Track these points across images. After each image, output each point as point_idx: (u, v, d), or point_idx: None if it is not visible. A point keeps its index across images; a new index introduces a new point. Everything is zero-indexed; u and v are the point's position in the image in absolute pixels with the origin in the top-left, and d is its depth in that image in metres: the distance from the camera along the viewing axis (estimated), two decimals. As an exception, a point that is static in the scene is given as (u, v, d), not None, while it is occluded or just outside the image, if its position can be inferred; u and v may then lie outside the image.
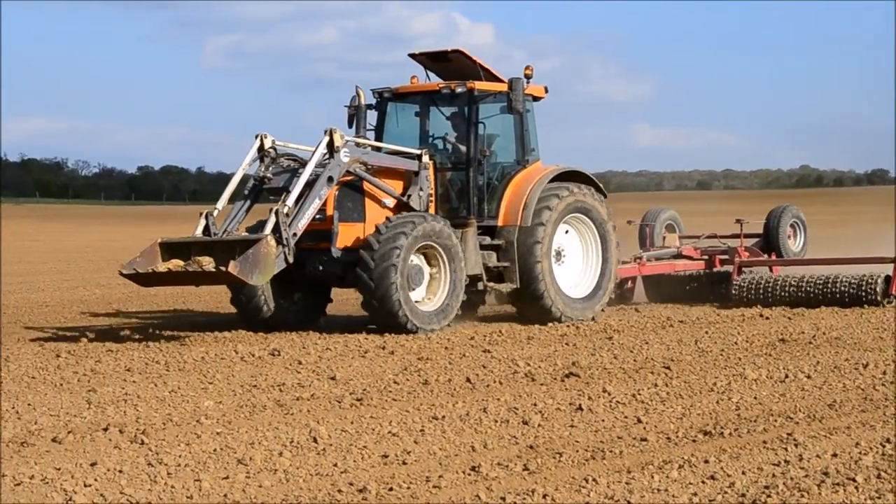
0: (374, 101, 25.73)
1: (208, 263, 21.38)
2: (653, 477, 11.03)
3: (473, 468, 11.49)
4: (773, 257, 30.18)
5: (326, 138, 22.71)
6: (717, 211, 67.74)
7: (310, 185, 22.32)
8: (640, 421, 13.78)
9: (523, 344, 20.56)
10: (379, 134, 25.50)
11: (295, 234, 21.79)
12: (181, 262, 21.78)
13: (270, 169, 23.10)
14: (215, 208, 22.67)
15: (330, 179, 22.48)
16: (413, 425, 13.60)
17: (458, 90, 24.59)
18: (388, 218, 22.92)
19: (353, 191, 23.45)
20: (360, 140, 24.31)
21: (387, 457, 12.14)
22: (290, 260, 21.62)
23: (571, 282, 25.32)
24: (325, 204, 22.68)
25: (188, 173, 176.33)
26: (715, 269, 29.42)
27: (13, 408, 14.97)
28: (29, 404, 15.22)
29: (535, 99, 26.05)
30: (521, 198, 24.55)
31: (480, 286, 24.13)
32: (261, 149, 23.09)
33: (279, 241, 21.38)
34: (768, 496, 10.20)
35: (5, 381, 17.14)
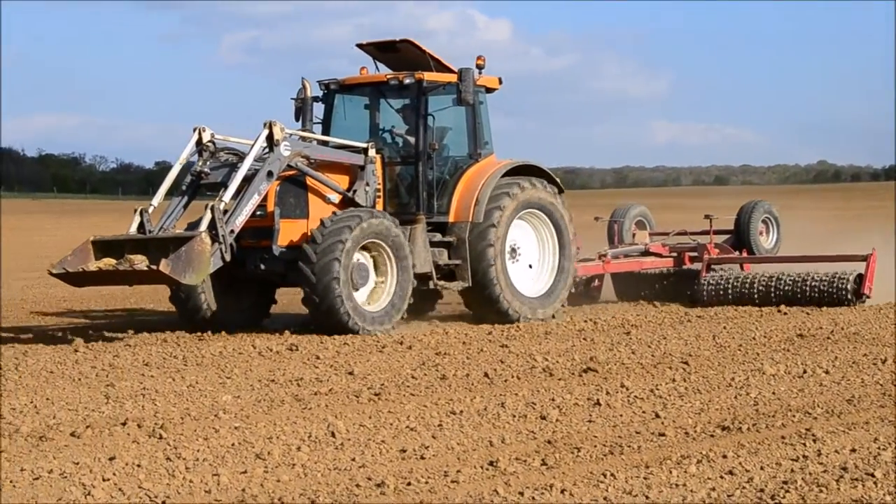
0: (321, 94, 24.74)
1: (141, 262, 20.40)
2: (671, 472, 11.01)
3: (491, 463, 11.48)
4: (745, 254, 29.07)
5: (265, 131, 21.76)
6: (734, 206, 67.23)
7: (248, 179, 21.51)
8: (658, 416, 13.77)
9: (541, 339, 20.55)
10: (326, 127, 24.59)
11: (232, 231, 21.00)
12: (113, 261, 20.79)
13: (208, 163, 22.21)
14: (150, 205, 21.90)
15: (269, 174, 21.63)
16: (431, 420, 13.60)
17: (407, 81, 23.51)
18: (333, 213, 22.08)
19: (295, 186, 22.60)
20: (303, 133, 23.48)
21: (405, 451, 12.14)
22: (228, 258, 20.82)
23: (528, 279, 24.48)
24: (265, 200, 21.92)
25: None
26: (685, 267, 28.37)
27: (32, 402, 15.00)
28: (48, 399, 15.24)
29: (489, 90, 25.16)
30: (473, 193, 23.63)
31: (431, 285, 23.36)
32: (199, 142, 22.22)
33: (215, 238, 20.58)
34: (787, 491, 10.18)
35: (24, 375, 17.18)
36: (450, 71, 24.05)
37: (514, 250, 24.14)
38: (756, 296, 26.00)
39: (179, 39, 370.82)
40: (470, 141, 24.47)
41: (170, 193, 22.69)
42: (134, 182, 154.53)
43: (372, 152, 22.99)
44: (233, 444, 12.42)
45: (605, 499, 10.19)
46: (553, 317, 24.18)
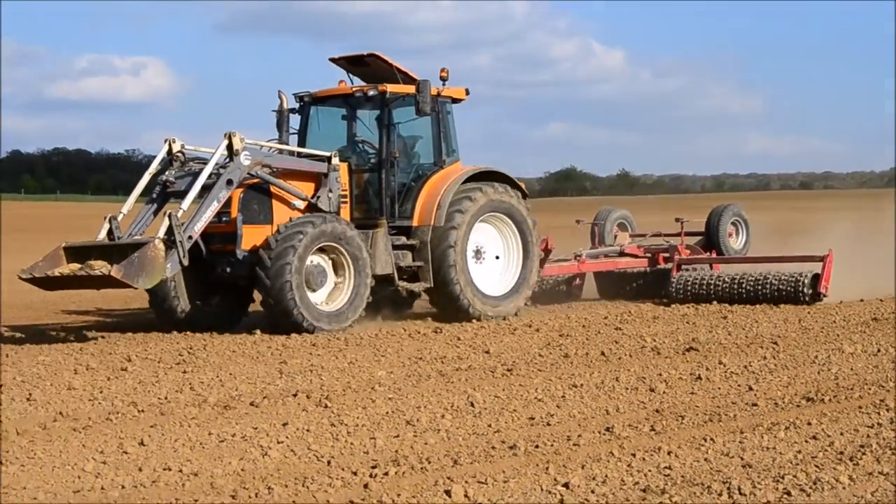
0: (297, 106, 22.93)
1: (100, 267, 18.50)
2: (762, 437, 10.95)
3: (608, 429, 11.47)
4: (714, 255, 27.15)
5: (225, 141, 19.98)
6: (820, 208, 66.70)
7: (209, 188, 19.83)
8: (751, 389, 13.67)
9: (650, 323, 20.46)
10: (303, 137, 22.81)
11: (190, 237, 19.25)
12: (76, 267, 18.98)
13: (174, 173, 20.34)
14: (120, 212, 19.99)
15: (229, 182, 19.87)
16: (556, 392, 13.60)
17: (370, 93, 21.80)
18: (290, 219, 20.46)
19: (258, 193, 20.72)
20: (264, 143, 21.52)
21: (533, 419, 12.16)
22: (185, 262, 19.16)
23: (493, 279, 22.67)
24: (229, 206, 20.25)
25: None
26: (660, 267, 26.39)
27: (217, 377, 15.18)
28: (230, 374, 15.42)
29: (455, 101, 23.24)
30: (435, 198, 21.86)
31: (395, 286, 21.66)
32: (170, 152, 20.36)
33: (172, 244, 18.98)
34: (863, 454, 10.09)
35: (210, 354, 17.37)
36: (414, 82, 22.14)
37: (479, 252, 22.47)
38: (721, 294, 24.09)
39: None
40: (435, 149, 22.71)
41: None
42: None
43: (335, 160, 21.37)
44: (387, 412, 12.50)
45: (705, 459, 10.16)
46: (516, 314, 22.41)
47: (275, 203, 20.72)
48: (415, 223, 21.88)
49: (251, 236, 20.14)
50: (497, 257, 22.85)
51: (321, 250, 20.14)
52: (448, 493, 9.12)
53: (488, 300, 22.12)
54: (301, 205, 20.87)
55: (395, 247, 21.50)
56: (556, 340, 18.17)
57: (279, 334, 19.63)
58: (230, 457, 10.61)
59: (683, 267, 25.82)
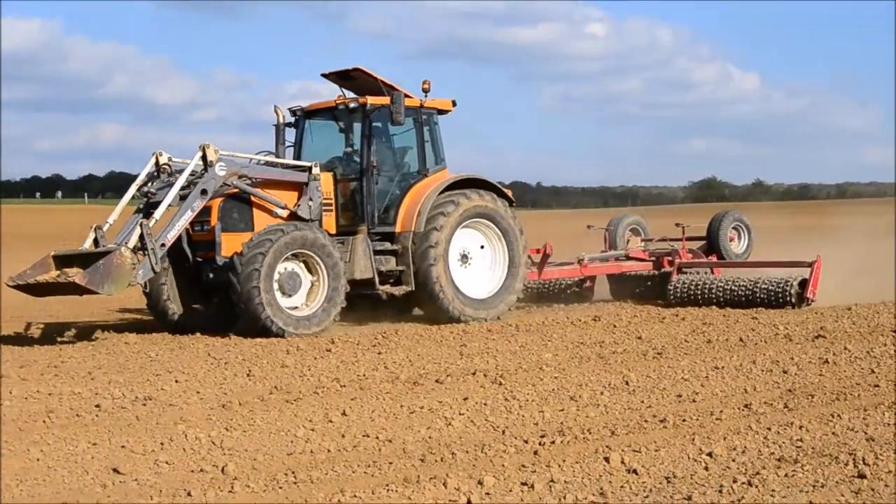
0: (292, 119, 21.15)
1: (74, 275, 16.96)
2: (884, 414, 10.72)
3: (746, 405, 11.32)
4: (715, 259, 24.78)
5: (200, 153, 18.38)
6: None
7: (185, 198, 18.22)
8: (873, 371, 13.37)
9: (782, 313, 20.04)
10: (298, 149, 20.99)
11: (163, 245, 17.70)
12: (55, 274, 17.41)
13: (155, 184, 18.67)
14: (107, 222, 18.18)
15: (203, 192, 18.16)
16: (700, 373, 13.46)
17: (352, 105, 20.03)
18: (266, 227, 18.76)
19: (239, 202, 18.93)
20: (241, 155, 19.50)
21: (680, 396, 12.05)
22: (157, 269, 17.67)
23: (480, 283, 20.68)
24: (210, 215, 18.62)
25: (530, 186, 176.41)
26: (665, 270, 24.09)
27: (407, 357, 15.26)
28: (418, 355, 15.49)
29: (441, 112, 21.21)
30: (417, 205, 20.02)
31: (377, 289, 19.98)
32: (157, 165, 18.73)
33: (143, 251, 17.55)
34: (976, 430, 9.86)
35: (401, 338, 17.47)
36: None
37: (465, 256, 20.57)
38: (715, 297, 22.02)
39: (511, 88, 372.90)
40: (419, 158, 20.77)
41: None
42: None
43: (316, 170, 19.46)
44: (553, 389, 12.47)
45: (832, 433, 9.98)
46: (498, 318, 20.38)
47: (255, 212, 19.05)
48: (398, 229, 20.09)
49: (233, 244, 18.47)
50: (481, 263, 20.87)
51: (296, 257, 18.50)
52: (607, 459, 9.08)
53: (472, 302, 20.28)
54: (283, 213, 19.11)
55: (379, 252, 19.86)
56: (700, 328, 17.97)
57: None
58: (419, 426, 10.67)
59: (683, 270, 23.83)
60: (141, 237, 17.42)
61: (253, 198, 18.93)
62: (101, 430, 10.55)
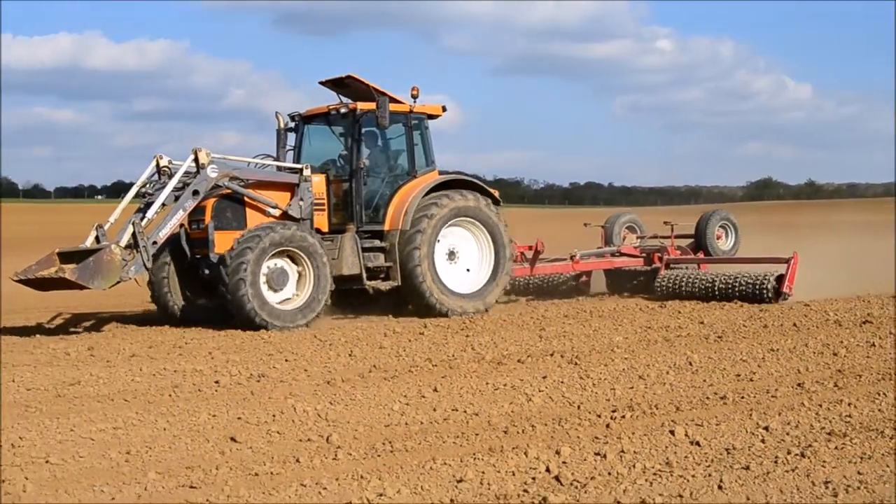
0: (292, 124, 20.17)
1: (66, 270, 16.40)
2: (927, 393, 10.59)
3: (799, 384, 11.20)
4: (702, 255, 23.75)
5: (192, 156, 17.57)
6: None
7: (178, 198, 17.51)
8: (917, 354, 13.20)
9: (832, 301, 19.71)
10: (298, 152, 19.97)
11: (155, 243, 16.98)
12: (53, 270, 16.61)
13: (153, 185, 17.82)
14: (108, 220, 17.32)
15: (195, 192, 17.41)
16: (757, 354, 13.32)
17: (342, 111, 19.18)
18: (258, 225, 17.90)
19: (232, 202, 18.06)
20: (233, 157, 18.46)
21: (739, 376, 11.93)
22: (149, 265, 16.99)
23: (467, 278, 19.68)
24: (204, 214, 17.85)
25: (602, 186, 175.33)
26: (655, 266, 22.96)
27: (492, 340, 15.25)
28: (502, 338, 15.47)
29: (432, 117, 20.20)
30: (404, 205, 19.01)
31: (364, 285, 18.96)
32: (158, 167, 17.75)
33: (134, 249, 16.80)
34: None
35: (487, 322, 17.48)
36: (392, 100, 19.29)
37: (452, 253, 19.57)
38: (698, 292, 20.93)
39: (585, 98, 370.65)
40: (409, 160, 19.74)
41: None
42: (556, 196, 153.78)
43: (307, 172, 18.55)
44: (623, 369, 12.41)
45: (879, 410, 9.84)
46: (486, 310, 19.39)
47: (248, 211, 18.17)
48: (386, 227, 19.07)
49: (226, 241, 17.58)
50: (468, 270, 19.83)
51: (286, 254, 17.63)
52: (672, 432, 9.02)
53: (457, 297, 19.24)
54: (276, 213, 18.23)
55: (368, 249, 18.92)
56: (757, 314, 17.76)
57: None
58: (502, 401, 10.67)
59: (671, 266, 22.82)
60: (133, 235, 16.79)
61: (246, 198, 18.13)
62: (219, 403, 10.67)
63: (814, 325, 16.27)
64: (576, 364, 12.78)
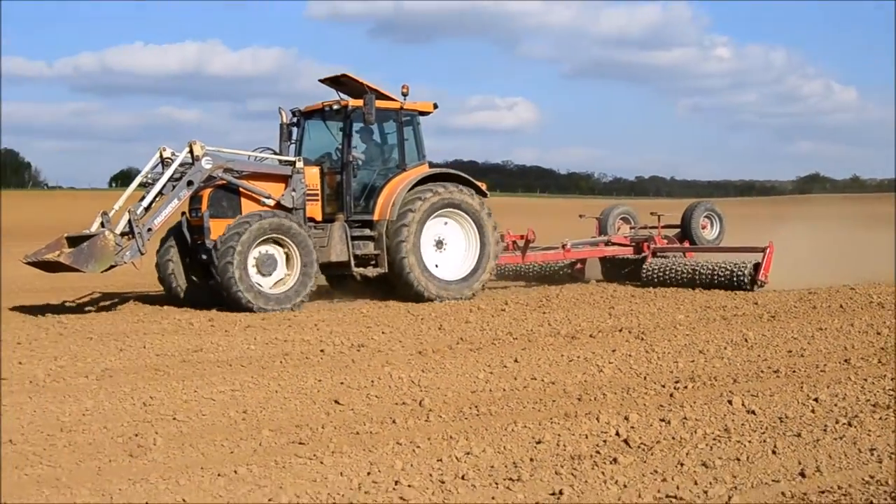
0: (294, 120, 19.22)
1: (61, 254, 15.80)
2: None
3: (846, 360, 11.03)
4: (687, 244, 22.70)
5: (187, 149, 16.96)
6: None
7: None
8: (954, 334, 12.92)
9: (876, 286, 19.34)
10: (299, 146, 19.00)
11: (150, 230, 16.33)
12: (57, 253, 15.88)
13: (152, 175, 17.18)
14: (112, 208, 16.64)
15: (189, 183, 16.80)
16: (807, 333, 13.12)
17: (335, 107, 18.30)
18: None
19: (228, 192, 17.30)
20: (227, 150, 17.67)
21: (791, 351, 11.78)
22: (144, 251, 16.21)
23: (454, 266, 18.60)
24: (201, 203, 17.21)
25: (665, 179, 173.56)
26: (644, 254, 21.87)
27: (566, 316, 15.20)
28: (575, 314, 15.40)
29: (423, 114, 19.15)
30: (392, 196, 18.08)
31: (352, 271, 18.10)
32: (161, 158, 17.15)
33: (129, 235, 16.22)
34: None
35: (562, 300, 17.40)
36: (384, 97, 18.56)
37: (440, 242, 18.48)
38: (681, 279, 20.00)
39: (646, 101, 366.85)
40: (399, 154, 18.77)
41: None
42: (622, 189, 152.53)
43: (300, 164, 17.87)
44: (685, 344, 12.30)
45: (920, 385, 9.69)
46: (473, 296, 18.43)
47: (243, 201, 17.46)
48: (375, 217, 18.11)
49: (221, 228, 16.88)
50: (454, 252, 18.74)
51: (275, 242, 16.92)
52: (730, 402, 8.94)
53: (443, 283, 18.24)
54: (270, 202, 17.52)
55: (357, 238, 18.07)
56: (806, 297, 17.48)
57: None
58: (576, 371, 10.64)
59: (657, 254, 21.78)
60: (129, 222, 16.25)
61: (241, 188, 17.44)
62: (324, 370, 10.75)
63: (858, 306, 15.99)
64: (642, 339, 12.70)
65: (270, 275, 16.84)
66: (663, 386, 9.80)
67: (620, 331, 13.48)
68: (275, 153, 18.49)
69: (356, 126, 18.43)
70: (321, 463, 7.26)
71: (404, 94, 18.78)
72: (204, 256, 17.07)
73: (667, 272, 20.37)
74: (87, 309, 17.14)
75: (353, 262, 17.91)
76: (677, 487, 6.60)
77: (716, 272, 19.43)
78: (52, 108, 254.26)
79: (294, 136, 19.14)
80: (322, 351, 11.98)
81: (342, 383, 10.05)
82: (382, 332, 13.57)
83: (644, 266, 21.05)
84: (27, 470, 7.15)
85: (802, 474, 6.87)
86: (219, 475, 6.97)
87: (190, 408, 9.02)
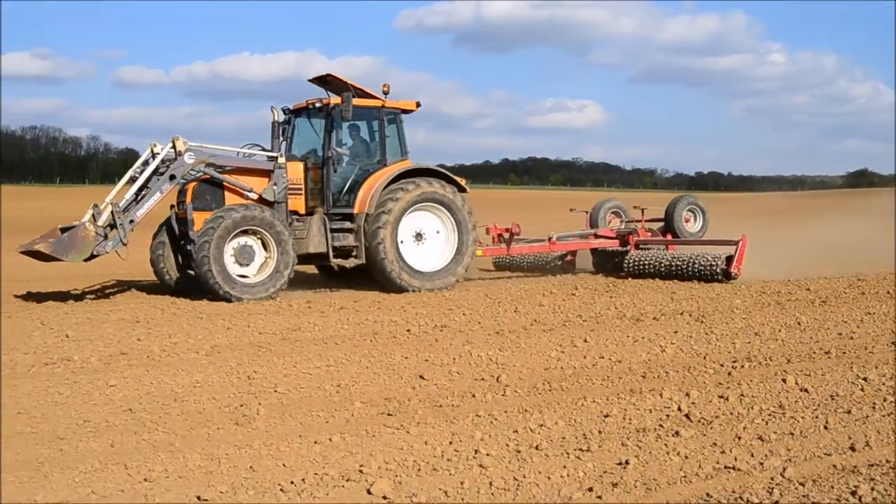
0: (284, 118, 18.37)
1: (41, 244, 15.16)
2: None
3: (893, 343, 10.74)
4: (670, 237, 21.40)
5: (170, 144, 16.21)
6: None
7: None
8: None
9: (917, 273, 18.85)
10: (290, 142, 18.23)
11: (132, 221, 15.62)
12: (40, 243, 15.11)
13: (139, 169, 16.37)
14: (104, 201, 15.77)
15: (172, 177, 16.09)
16: (856, 317, 12.77)
17: (317, 105, 17.58)
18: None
19: (212, 186, 16.61)
20: (209, 146, 16.74)
21: (841, 334, 11.49)
22: (126, 242, 15.50)
23: (433, 258, 17.67)
24: (185, 196, 16.54)
25: (722, 175, 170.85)
26: (628, 247, 20.59)
27: (632, 301, 15.00)
28: (640, 299, 15.17)
29: (405, 112, 18.24)
30: (371, 190, 17.21)
31: (330, 262, 17.32)
32: (153, 153, 16.26)
33: (111, 226, 15.54)
34: None
35: (627, 286, 17.20)
36: (367, 96, 17.81)
37: (419, 235, 17.55)
38: (660, 271, 19.05)
39: (707, 101, 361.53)
40: (380, 150, 17.91)
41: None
42: (664, 184, 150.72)
43: (282, 160, 17.06)
44: (741, 327, 12.04)
45: (964, 366, 9.40)
46: (456, 282, 17.69)
47: (227, 194, 16.73)
48: (355, 210, 17.28)
49: (202, 221, 16.16)
50: (434, 244, 17.80)
51: (253, 233, 16.18)
52: (784, 380, 8.76)
53: (420, 275, 17.33)
54: (253, 196, 16.77)
55: (337, 230, 17.30)
56: (856, 283, 17.07)
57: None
58: (641, 351, 10.50)
59: (640, 247, 20.57)
60: (112, 214, 15.58)
61: (224, 182, 16.72)
62: (410, 348, 10.75)
63: (881, 295, 15.58)
64: (702, 322, 12.50)
65: (249, 264, 16.19)
66: (721, 365, 9.64)
67: (682, 314, 13.27)
68: (263, 149, 17.68)
69: (343, 123, 17.73)
70: (407, 433, 7.25)
71: (385, 93, 18.00)
72: (189, 247, 16.37)
73: (647, 264, 19.51)
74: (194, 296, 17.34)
75: (331, 254, 17.23)
76: (735, 459, 6.48)
77: (692, 264, 18.54)
78: (168, 111, 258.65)
79: (280, 133, 18.47)
80: (408, 331, 11.98)
81: (426, 360, 10.03)
82: (463, 314, 13.53)
83: (626, 258, 20.18)
84: (144, 436, 7.25)
85: (853, 448, 6.71)
86: (315, 442, 7.00)
87: (289, 381, 9.07)
